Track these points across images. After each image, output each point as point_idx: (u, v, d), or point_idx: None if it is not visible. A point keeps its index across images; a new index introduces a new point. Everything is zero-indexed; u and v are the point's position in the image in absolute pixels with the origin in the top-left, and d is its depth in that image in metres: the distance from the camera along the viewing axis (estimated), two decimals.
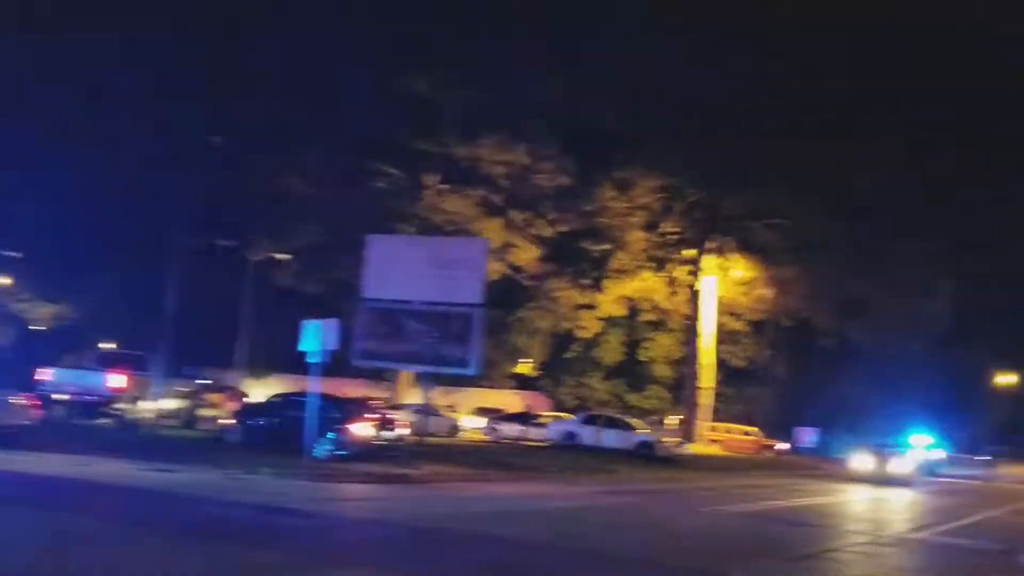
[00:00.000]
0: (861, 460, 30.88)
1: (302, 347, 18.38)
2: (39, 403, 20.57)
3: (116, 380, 25.54)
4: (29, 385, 23.69)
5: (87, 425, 24.00)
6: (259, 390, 37.65)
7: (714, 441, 43.53)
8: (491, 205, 42.55)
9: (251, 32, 37.63)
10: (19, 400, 19.33)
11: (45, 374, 26.69)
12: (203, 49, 35.14)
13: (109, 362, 26.87)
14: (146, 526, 10.69)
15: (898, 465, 30.42)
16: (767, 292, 44.65)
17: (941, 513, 21.73)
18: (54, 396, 24.63)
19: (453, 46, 38.21)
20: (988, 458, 41.94)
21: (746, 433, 43.22)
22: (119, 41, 34.44)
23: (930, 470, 38.54)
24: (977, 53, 36.32)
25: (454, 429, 36.69)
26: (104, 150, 34.53)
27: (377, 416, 21.83)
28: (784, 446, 42.40)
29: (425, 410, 27.71)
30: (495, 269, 39.77)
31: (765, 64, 38.01)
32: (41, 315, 46.98)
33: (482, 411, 41.19)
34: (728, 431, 44.35)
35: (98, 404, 25.23)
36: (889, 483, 28.62)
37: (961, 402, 50.34)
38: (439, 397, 40.30)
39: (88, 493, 13.38)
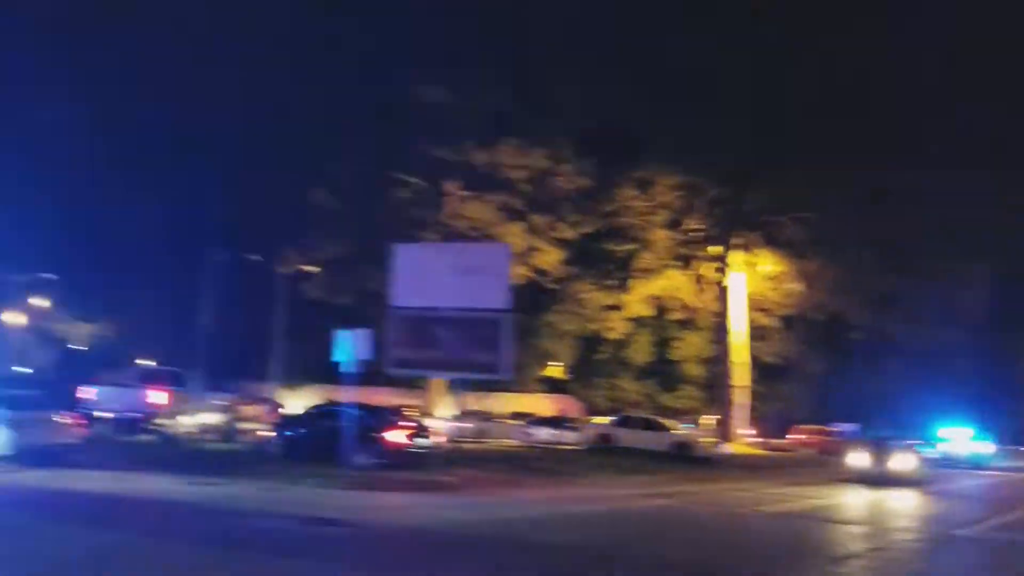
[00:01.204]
0: (857, 457, 26.31)
1: (336, 357, 18.62)
2: (85, 421, 20.96)
3: (156, 396, 25.94)
4: (71, 404, 24.14)
5: (129, 441, 24.34)
6: (294, 401, 37.98)
7: (805, 444, 42.96)
8: (512, 209, 42.66)
9: (272, 49, 38.09)
10: (63, 419, 19.71)
11: (87, 392, 27.16)
12: (228, 67, 35.64)
13: (148, 379, 27.31)
14: (191, 540, 10.83)
15: (900, 462, 25.78)
16: (796, 287, 44.31)
17: (990, 507, 21.28)
18: (97, 414, 25.03)
19: (468, 52, 38.41)
20: None
21: (830, 434, 42.46)
22: (146, 60, 35.04)
23: (977, 462, 37.81)
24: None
25: (527, 435, 36.56)
26: (134, 171, 35.15)
27: (413, 424, 21.97)
28: None
29: (487, 418, 27.78)
30: (520, 273, 39.85)
31: (785, 59, 37.89)
32: (80, 334, 47.82)
33: (514, 416, 41.26)
34: (820, 432, 43.53)
35: (139, 420, 25.62)
36: (889, 483, 24.46)
37: (1003, 392, 49.47)
38: (472, 403, 40.45)
39: (132, 509, 13.58)
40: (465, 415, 39.07)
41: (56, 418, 19.62)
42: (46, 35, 34.09)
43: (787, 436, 45.29)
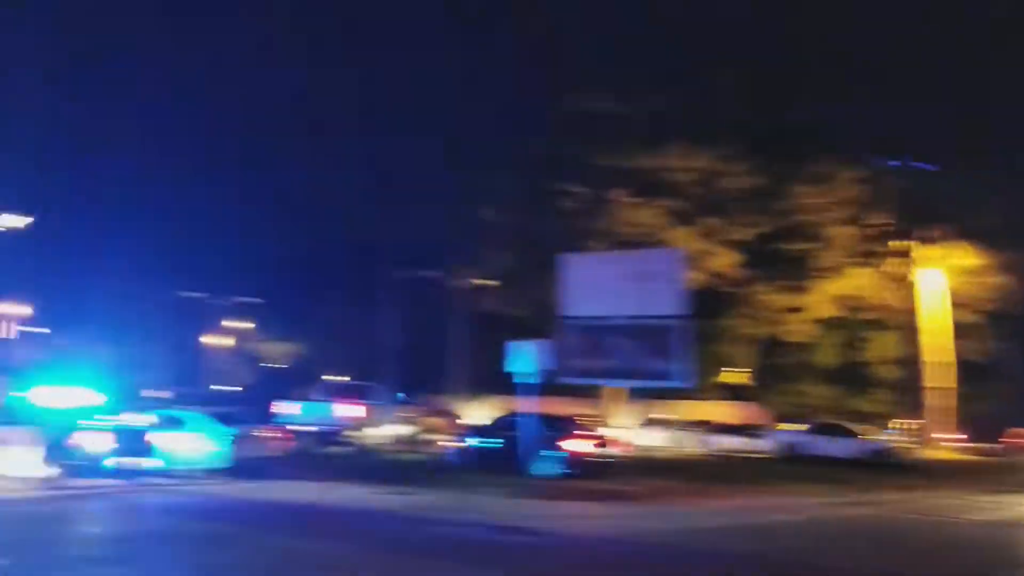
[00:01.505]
0: None
1: (509, 368, 18.96)
2: (289, 435, 22.41)
3: (348, 410, 27.33)
4: (272, 419, 25.80)
5: (326, 453, 25.69)
6: (471, 412, 38.88)
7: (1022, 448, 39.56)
8: (682, 213, 41.95)
9: (440, 67, 39.45)
10: (267, 433, 21.11)
11: (286, 408, 28.97)
12: (399, 89, 37.20)
13: (341, 393, 28.84)
14: (388, 547, 11.29)
15: None
16: (999, 280, 41.01)
17: None
18: (296, 428, 26.62)
19: (629, 58, 38.24)
20: None
21: None
22: (322, 82, 37.20)
23: None
24: None
25: (711, 443, 35.72)
26: (321, 198, 37.38)
27: (595, 433, 21.99)
28: None
29: (669, 426, 27.57)
30: (693, 278, 39.03)
31: (974, 36, 35.39)
32: (278, 353, 51.19)
33: (696, 424, 40.42)
34: None
35: (332, 433, 27.06)
36: None
37: None
38: (652, 411, 40.03)
39: (332, 517, 14.31)
40: (646, 423, 38.70)
41: (259, 433, 21.02)
42: (230, 67, 36.94)
43: (1000, 439, 41.86)
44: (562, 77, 39.05)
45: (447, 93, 39.40)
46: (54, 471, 17.50)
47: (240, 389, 45.35)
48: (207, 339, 50.22)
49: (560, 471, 19.55)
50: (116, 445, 17.97)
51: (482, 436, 22.84)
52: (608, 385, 37.56)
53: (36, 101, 35.49)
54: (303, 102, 37.50)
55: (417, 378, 42.92)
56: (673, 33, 38.24)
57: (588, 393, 44.17)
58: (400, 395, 35.18)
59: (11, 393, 23.24)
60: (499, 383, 30.64)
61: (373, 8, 40.03)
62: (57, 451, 17.83)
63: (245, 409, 24.27)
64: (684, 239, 40.07)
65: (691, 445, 36.31)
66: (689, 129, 39.92)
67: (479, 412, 36.61)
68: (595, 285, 25.99)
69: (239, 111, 38.22)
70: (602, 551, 11.58)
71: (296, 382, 37.93)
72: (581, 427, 23.03)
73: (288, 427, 26.17)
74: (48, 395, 21.11)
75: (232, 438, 19.91)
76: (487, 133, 40.05)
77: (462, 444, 23.03)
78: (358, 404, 27.78)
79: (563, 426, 21.54)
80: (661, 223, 41.56)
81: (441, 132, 39.72)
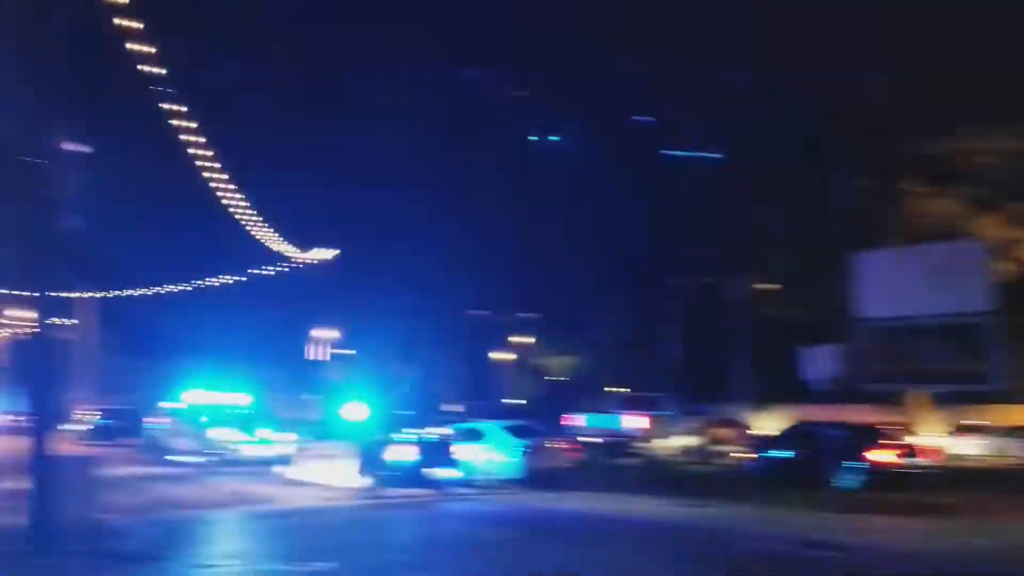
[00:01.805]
0: None
1: (802, 375, 18.14)
2: (578, 447, 22.99)
3: (636, 421, 27.54)
4: (560, 431, 26.56)
5: (614, 464, 25.96)
6: (760, 422, 37.61)
7: None
8: (984, 200, 38.06)
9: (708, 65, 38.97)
10: (556, 445, 21.77)
11: (573, 420, 29.75)
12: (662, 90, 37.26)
13: (628, 405, 29.19)
14: (690, 561, 11.14)
15: None
16: None
17: None
18: (584, 439, 27.23)
19: (907, 40, 35.54)
20: None
21: None
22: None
23: None
24: None
25: None
26: (592, 209, 38.24)
27: (900, 442, 20.40)
28: None
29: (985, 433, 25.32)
30: (1005, 269, 35.36)
31: None
32: (559, 366, 52.66)
33: (1016, 430, 36.26)
34: None
35: (621, 444, 27.37)
36: None
37: None
38: (965, 417, 36.62)
39: (625, 528, 14.37)
40: (958, 430, 35.37)
41: (548, 444, 21.72)
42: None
43: None
44: (839, 62, 37.08)
45: (724, 93, 38.83)
46: (368, 481, 19.10)
47: (525, 402, 47.13)
48: (494, 355, 52.70)
49: (864, 483, 18.33)
50: (421, 457, 19.29)
51: (776, 447, 21.95)
52: (911, 390, 34.82)
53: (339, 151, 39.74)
54: (577, 111, 38.69)
55: (700, 388, 42.28)
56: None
57: (886, 399, 41.14)
58: (690, 406, 34.91)
59: (328, 411, 25.80)
60: (785, 391, 29.32)
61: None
62: (370, 463, 19.45)
63: (534, 421, 25.18)
64: (990, 228, 36.45)
65: (1013, 453, 32.64)
66: (987, 108, 36.29)
67: (767, 422, 35.34)
68: (892, 283, 24.40)
69: (517, 130, 40.33)
70: (919, 570, 10.67)
71: (578, 394, 38.72)
72: (886, 436, 21.43)
73: (576, 438, 26.77)
74: (360, 411, 23.22)
75: (524, 449, 20.69)
76: (762, 130, 39.01)
77: (756, 455, 22.29)
78: (648, 415, 27.93)
79: (866, 435, 20.17)
80: (961, 212, 38.04)
81: (716, 133, 39.15)
